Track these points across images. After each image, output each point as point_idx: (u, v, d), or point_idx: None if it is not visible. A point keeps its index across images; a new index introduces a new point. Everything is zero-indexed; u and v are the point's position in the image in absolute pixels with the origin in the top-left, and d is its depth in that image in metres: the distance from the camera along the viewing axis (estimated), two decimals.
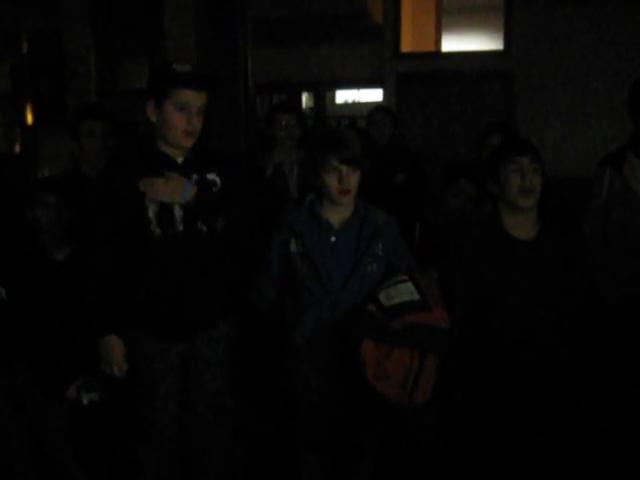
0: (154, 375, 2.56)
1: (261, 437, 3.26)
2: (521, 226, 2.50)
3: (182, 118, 2.44)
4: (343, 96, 10.04)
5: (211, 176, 2.56)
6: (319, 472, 2.74)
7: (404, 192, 3.98)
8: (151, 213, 2.47)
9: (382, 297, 2.44)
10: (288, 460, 2.85)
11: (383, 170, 3.87)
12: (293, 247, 2.58)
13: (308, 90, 9.37)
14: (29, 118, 8.57)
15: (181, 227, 2.50)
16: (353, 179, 2.53)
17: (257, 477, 3.07)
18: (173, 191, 2.46)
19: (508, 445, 2.47)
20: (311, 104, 9.51)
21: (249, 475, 3.03)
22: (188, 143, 2.49)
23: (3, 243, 2.79)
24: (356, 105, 9.78)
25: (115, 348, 2.50)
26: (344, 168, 2.51)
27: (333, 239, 2.57)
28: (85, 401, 2.74)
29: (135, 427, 2.63)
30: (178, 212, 2.49)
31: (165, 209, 2.48)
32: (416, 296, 2.42)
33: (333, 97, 9.94)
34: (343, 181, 2.51)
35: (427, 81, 6.95)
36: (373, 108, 4.36)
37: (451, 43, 7.65)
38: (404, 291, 2.44)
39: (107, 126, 3.19)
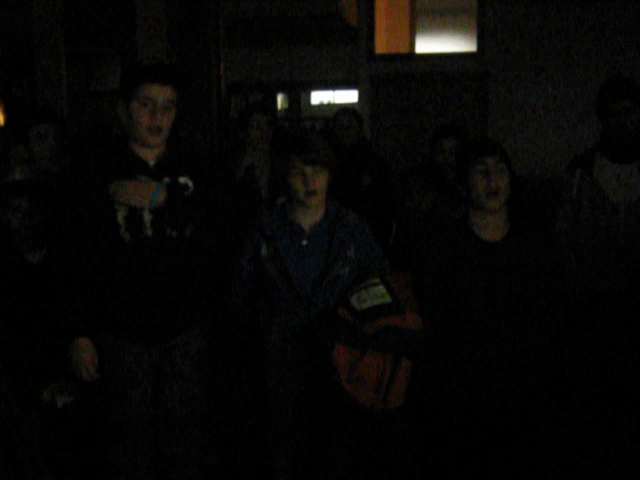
0: (127, 379, 2.54)
1: (234, 441, 3.25)
2: (489, 227, 2.49)
3: (146, 113, 2.39)
4: (318, 97, 10.07)
5: (183, 179, 2.53)
6: (291, 475, 2.74)
7: (370, 194, 3.98)
8: (120, 217, 2.43)
9: (354, 301, 2.43)
10: (261, 464, 2.85)
11: (349, 173, 3.87)
12: (264, 251, 2.57)
13: (283, 91, 9.38)
14: (0, 119, 8.47)
15: (150, 232, 2.46)
16: (319, 180, 2.51)
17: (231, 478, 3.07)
18: (142, 195, 2.41)
19: (477, 443, 2.48)
20: (286, 105, 9.51)
21: (222, 479, 3.03)
22: (153, 141, 2.44)
23: None
24: (331, 106, 9.79)
25: (85, 352, 2.47)
26: (308, 169, 2.49)
27: (304, 243, 2.56)
28: (59, 404, 2.71)
29: (109, 431, 2.61)
30: (147, 217, 2.45)
31: (134, 213, 2.44)
32: (388, 299, 2.41)
33: (308, 98, 9.96)
34: (308, 182, 2.49)
35: (401, 82, 6.98)
36: (339, 110, 4.34)
37: (425, 44, 7.68)
38: (376, 294, 2.42)
39: (58, 128, 3.14)
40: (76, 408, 2.76)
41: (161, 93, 2.41)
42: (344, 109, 4.37)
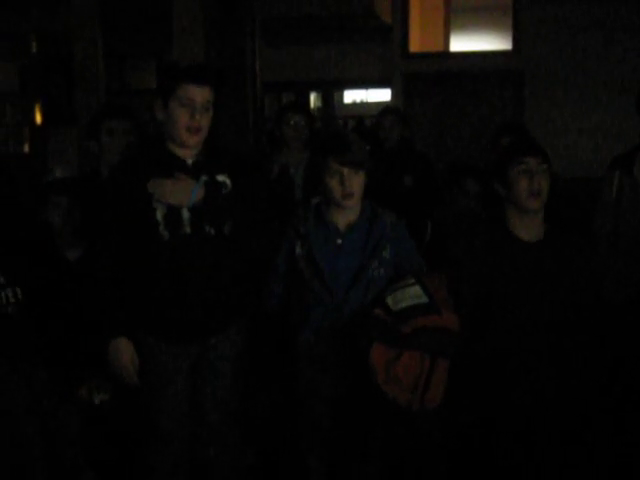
0: (164, 379, 2.55)
1: (267, 441, 3.25)
2: (527, 227, 2.48)
3: (185, 114, 2.41)
4: (351, 96, 10.02)
5: (221, 177, 2.54)
6: (323, 477, 2.73)
7: (413, 195, 3.96)
8: (159, 215, 2.45)
9: (390, 301, 2.42)
10: (294, 464, 2.85)
11: (392, 172, 3.86)
12: (298, 250, 2.57)
13: (316, 90, 9.36)
14: (38, 118, 8.60)
15: (189, 229, 2.48)
16: (356, 181, 2.51)
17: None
18: (181, 193, 2.43)
19: (510, 446, 2.46)
20: (319, 104, 9.50)
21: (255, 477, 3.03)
22: (192, 140, 2.46)
23: (18, 243, 2.80)
24: (364, 105, 9.75)
25: (123, 352, 2.48)
26: (345, 170, 2.49)
27: (339, 242, 2.55)
28: (97, 401, 2.73)
29: (145, 430, 2.63)
30: (186, 214, 2.47)
31: (173, 211, 2.46)
32: (424, 299, 2.40)
33: (341, 97, 9.92)
34: (345, 184, 2.49)
35: (435, 81, 6.94)
36: (382, 109, 4.33)
37: (459, 43, 7.64)
38: (412, 294, 2.42)
39: (128, 125, 3.17)
40: (113, 406, 2.78)
41: (200, 94, 2.43)
42: (387, 109, 4.38)
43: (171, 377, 2.56)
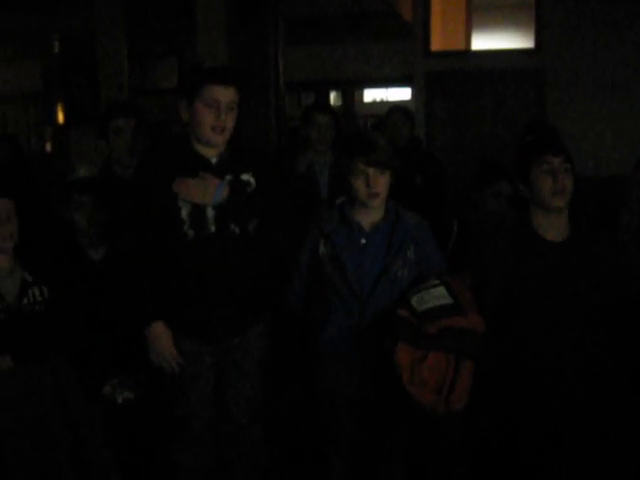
0: (188, 377, 2.56)
1: (290, 441, 3.25)
2: (552, 227, 2.47)
3: (211, 114, 2.43)
4: (371, 95, 10.02)
5: (245, 176, 2.55)
6: (345, 477, 2.72)
7: (423, 194, 3.94)
8: (184, 214, 2.47)
9: (414, 302, 2.41)
10: (316, 464, 2.84)
11: (402, 171, 3.84)
12: (322, 249, 2.56)
13: (336, 89, 9.37)
14: (60, 117, 8.68)
15: (213, 228, 2.49)
16: (381, 182, 2.50)
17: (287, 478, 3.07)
18: (205, 192, 2.45)
19: (537, 449, 2.44)
20: (339, 103, 9.50)
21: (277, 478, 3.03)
22: (217, 140, 2.48)
23: (43, 242, 2.83)
24: (384, 104, 9.74)
25: (162, 335, 2.48)
26: (371, 171, 2.48)
27: (363, 241, 2.54)
28: (120, 400, 2.75)
29: (169, 428, 2.64)
30: (210, 213, 2.48)
31: (198, 210, 2.47)
32: (449, 300, 2.39)
33: (361, 96, 9.92)
34: (370, 184, 2.48)
35: (457, 80, 6.89)
36: (390, 108, 4.31)
37: (481, 41, 7.58)
38: (436, 295, 2.40)
39: (136, 124, 3.17)
40: (137, 404, 2.79)
41: (225, 95, 2.45)
42: (396, 107, 4.35)
43: (195, 375, 2.57)
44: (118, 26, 4.49)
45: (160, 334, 2.48)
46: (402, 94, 9.48)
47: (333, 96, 9.63)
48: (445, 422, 2.68)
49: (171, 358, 2.50)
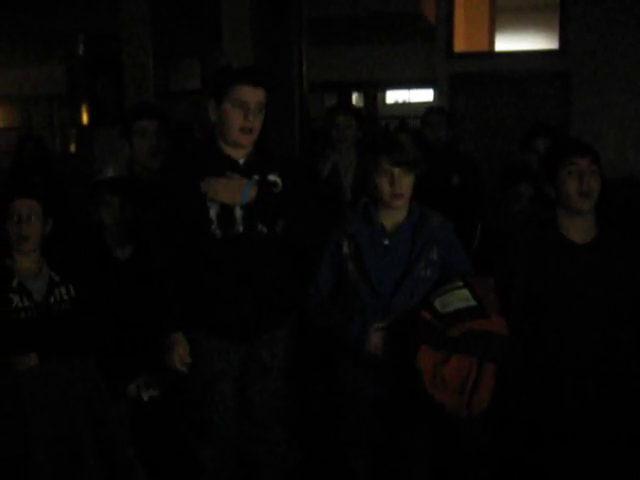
0: (214, 375, 2.58)
1: (312, 441, 3.24)
2: (578, 229, 2.45)
3: (239, 115, 2.44)
4: (393, 96, 10.00)
5: (272, 177, 2.56)
6: (367, 478, 2.71)
7: (460, 195, 3.92)
8: (212, 214, 2.49)
9: (437, 304, 2.39)
10: (338, 465, 2.83)
11: (438, 172, 3.82)
12: (345, 249, 2.55)
13: (358, 90, 9.36)
14: (84, 118, 8.75)
15: (241, 228, 2.51)
16: (406, 182, 2.48)
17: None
18: (233, 192, 2.46)
19: (558, 453, 2.42)
20: (361, 104, 9.49)
21: (303, 477, 3.02)
22: (246, 141, 2.49)
23: (70, 242, 2.85)
24: (406, 105, 9.73)
25: (180, 345, 2.51)
26: (396, 171, 2.47)
27: (386, 242, 2.53)
28: (145, 398, 2.77)
29: (194, 427, 2.65)
30: (238, 213, 2.50)
31: (226, 210, 2.49)
32: (472, 302, 2.37)
33: (383, 97, 9.90)
34: (395, 184, 2.47)
35: (480, 81, 6.85)
36: (428, 109, 4.30)
37: (505, 43, 7.54)
38: (460, 297, 2.38)
39: (160, 126, 3.17)
40: (162, 402, 2.81)
41: (254, 95, 2.46)
42: (433, 108, 4.35)
43: (221, 373, 2.58)
44: (144, 27, 4.51)
45: (177, 344, 2.51)
46: (424, 96, 9.46)
47: (355, 97, 9.62)
48: (467, 425, 2.66)
49: (181, 367, 2.52)
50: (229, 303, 2.53)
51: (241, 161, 2.54)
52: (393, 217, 2.55)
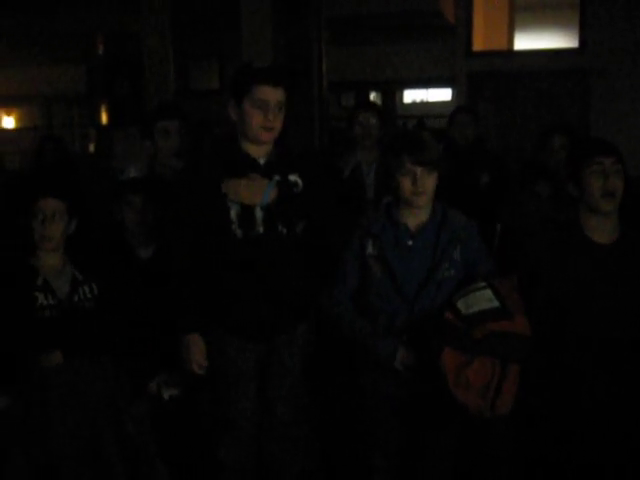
0: (233, 374, 2.58)
1: (332, 440, 3.25)
2: (601, 229, 2.42)
3: (259, 114, 2.45)
4: (411, 96, 9.98)
5: (293, 177, 2.56)
6: (388, 477, 2.71)
7: (488, 194, 3.90)
8: (233, 214, 2.49)
9: (460, 305, 2.37)
10: (359, 464, 2.83)
11: (467, 171, 3.81)
12: (369, 250, 2.53)
13: (376, 89, 9.35)
14: (104, 119, 8.81)
15: (262, 229, 2.51)
16: (428, 181, 2.47)
17: (330, 477, 3.06)
18: (254, 193, 2.46)
19: (584, 454, 2.41)
20: (379, 103, 9.47)
21: (323, 475, 3.03)
22: (266, 137, 2.49)
23: (93, 241, 2.87)
24: (424, 105, 9.70)
25: (196, 346, 2.52)
26: (418, 170, 2.46)
27: (410, 243, 2.51)
28: (166, 396, 2.78)
29: (214, 425, 2.66)
30: (259, 213, 2.50)
31: (246, 211, 2.49)
32: (495, 303, 2.35)
33: (401, 96, 9.89)
34: (417, 183, 2.45)
35: (499, 80, 6.83)
36: (455, 108, 4.30)
37: (524, 41, 7.51)
38: (483, 298, 2.36)
39: (182, 125, 3.19)
40: (182, 401, 2.82)
41: (274, 95, 2.46)
42: (461, 107, 4.34)
43: (240, 372, 2.59)
44: (165, 27, 4.53)
45: (193, 344, 2.52)
46: (442, 95, 9.43)
47: (373, 97, 9.61)
48: (491, 426, 2.65)
49: (197, 369, 2.53)
50: (248, 303, 2.53)
51: (262, 161, 2.54)
52: (416, 217, 2.53)
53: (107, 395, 2.60)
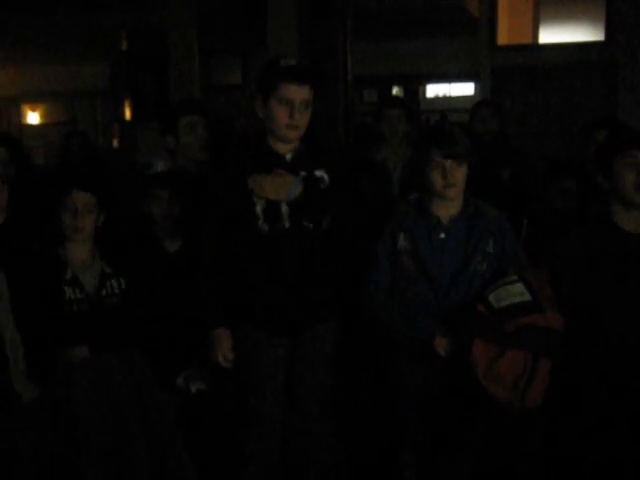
0: (260, 369, 2.59)
1: (359, 434, 3.24)
2: (634, 221, 2.43)
3: (285, 112, 2.45)
4: (434, 90, 9.93)
5: (319, 173, 2.56)
6: (416, 472, 2.71)
7: (511, 188, 3.88)
8: (259, 209, 2.50)
9: (492, 298, 2.38)
10: (386, 458, 2.83)
11: (489, 166, 3.79)
12: (401, 243, 2.54)
13: (399, 84, 9.32)
14: (127, 114, 8.86)
15: (288, 224, 2.51)
16: (458, 174, 2.48)
17: (356, 474, 3.07)
18: (280, 188, 2.47)
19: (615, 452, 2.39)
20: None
21: (348, 471, 3.03)
22: (292, 135, 2.50)
23: (120, 235, 2.89)
24: (447, 99, 9.65)
25: (223, 340, 2.54)
26: (448, 163, 2.47)
27: (442, 236, 2.52)
28: (193, 390, 2.79)
29: (240, 420, 2.67)
30: (285, 209, 2.50)
31: (272, 206, 2.50)
32: (527, 297, 2.36)
33: (424, 91, 9.84)
34: (447, 176, 2.46)
35: (524, 74, 6.77)
36: (478, 102, 4.27)
37: (549, 34, 7.41)
38: (514, 292, 2.37)
39: (206, 120, 3.20)
40: (209, 395, 2.83)
41: (300, 93, 2.46)
42: (483, 101, 4.32)
43: (267, 367, 2.59)
44: (191, 23, 4.55)
45: (220, 339, 2.53)
46: (465, 89, 9.38)
47: (395, 92, 9.57)
48: (520, 419, 2.64)
49: (225, 363, 2.54)
50: (273, 297, 2.54)
51: (288, 157, 2.55)
52: (448, 210, 2.54)
53: (133, 390, 2.61)
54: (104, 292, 2.62)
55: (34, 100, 11.50)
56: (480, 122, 4.05)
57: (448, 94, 9.84)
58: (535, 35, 7.41)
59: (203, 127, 3.16)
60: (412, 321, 2.52)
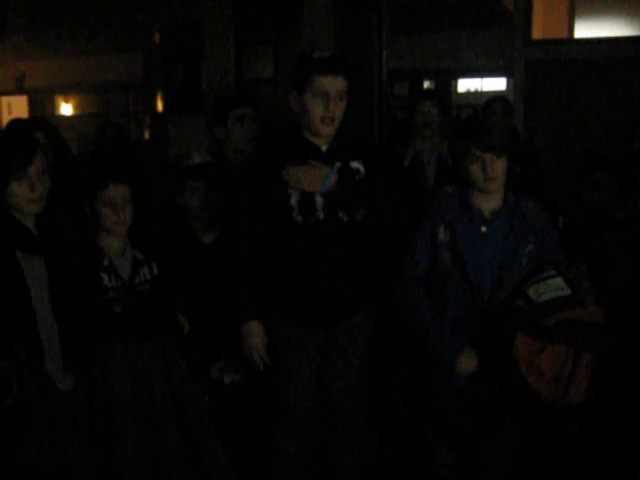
0: (293, 362, 2.60)
1: (395, 432, 3.23)
2: None
3: (320, 104, 2.44)
4: (465, 85, 9.83)
5: (355, 164, 2.56)
6: (455, 469, 2.69)
7: (521, 184, 3.83)
8: (293, 201, 2.50)
9: (531, 293, 2.37)
10: (423, 456, 2.82)
11: None
12: (442, 236, 2.52)
13: (430, 79, 9.24)
14: (159, 106, 8.90)
15: (322, 215, 2.51)
16: (498, 166, 2.46)
17: (390, 470, 3.06)
18: (314, 180, 2.47)
19: None
20: None
21: (381, 467, 3.03)
22: (327, 130, 2.49)
23: (155, 226, 2.91)
24: (479, 94, 9.54)
25: (255, 334, 2.55)
26: (487, 156, 2.44)
27: (484, 229, 2.50)
28: (227, 381, 2.80)
29: (273, 412, 2.67)
30: (319, 200, 2.50)
31: (307, 197, 2.50)
32: (567, 291, 2.34)
33: (455, 86, 9.75)
34: (487, 169, 2.44)
35: (559, 69, 6.68)
36: (491, 98, 4.27)
37: (585, 29, 7.31)
38: (554, 286, 2.36)
39: (255, 112, 3.23)
40: (243, 386, 2.84)
41: (334, 85, 2.45)
42: (497, 97, 4.29)
43: (300, 360, 2.60)
44: (227, 16, 4.56)
45: (253, 333, 2.54)
46: (497, 84, 9.28)
47: (426, 86, 9.50)
48: (562, 414, 2.61)
49: (258, 357, 2.55)
50: (308, 289, 2.54)
51: (324, 148, 2.55)
52: (490, 203, 2.52)
53: (166, 378, 2.61)
54: (137, 280, 2.62)
55: (67, 92, 11.60)
56: (494, 117, 4.01)
57: (479, 89, 9.74)
58: (571, 29, 7.32)
59: (252, 119, 3.18)
60: (440, 336, 2.50)
